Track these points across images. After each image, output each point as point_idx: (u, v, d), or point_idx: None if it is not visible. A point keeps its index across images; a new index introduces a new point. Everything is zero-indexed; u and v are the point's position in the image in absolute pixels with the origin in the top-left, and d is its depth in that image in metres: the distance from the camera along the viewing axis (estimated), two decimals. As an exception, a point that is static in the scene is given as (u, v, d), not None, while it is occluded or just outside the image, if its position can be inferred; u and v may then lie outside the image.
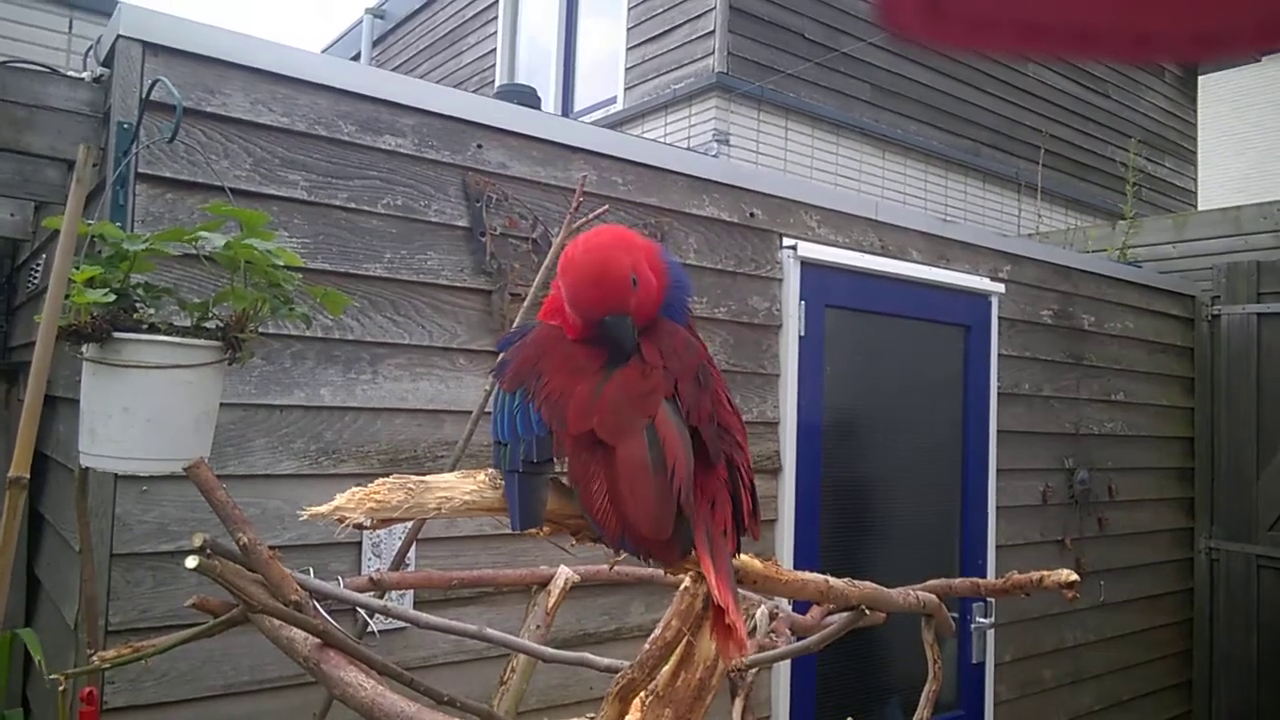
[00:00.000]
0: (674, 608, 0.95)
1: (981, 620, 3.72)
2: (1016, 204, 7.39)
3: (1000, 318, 3.90)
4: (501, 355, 1.09)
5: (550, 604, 1.78)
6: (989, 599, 3.67)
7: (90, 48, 2.17)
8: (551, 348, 1.04)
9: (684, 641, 0.95)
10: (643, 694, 1.00)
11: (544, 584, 1.83)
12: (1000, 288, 3.88)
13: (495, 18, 7.48)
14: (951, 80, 6.93)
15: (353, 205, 2.22)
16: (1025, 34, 0.36)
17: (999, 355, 3.90)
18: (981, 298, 3.83)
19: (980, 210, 7.16)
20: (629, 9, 6.30)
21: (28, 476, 1.22)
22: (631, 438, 0.95)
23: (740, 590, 1.28)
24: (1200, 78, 9.73)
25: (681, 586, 0.95)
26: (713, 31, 5.69)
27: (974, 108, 7.11)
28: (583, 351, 1.02)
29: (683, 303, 1.09)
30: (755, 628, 1.87)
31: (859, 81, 6.36)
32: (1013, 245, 4.17)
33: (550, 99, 6.75)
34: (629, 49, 6.29)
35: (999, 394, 3.89)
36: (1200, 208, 9.20)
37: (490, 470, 0.97)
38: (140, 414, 1.44)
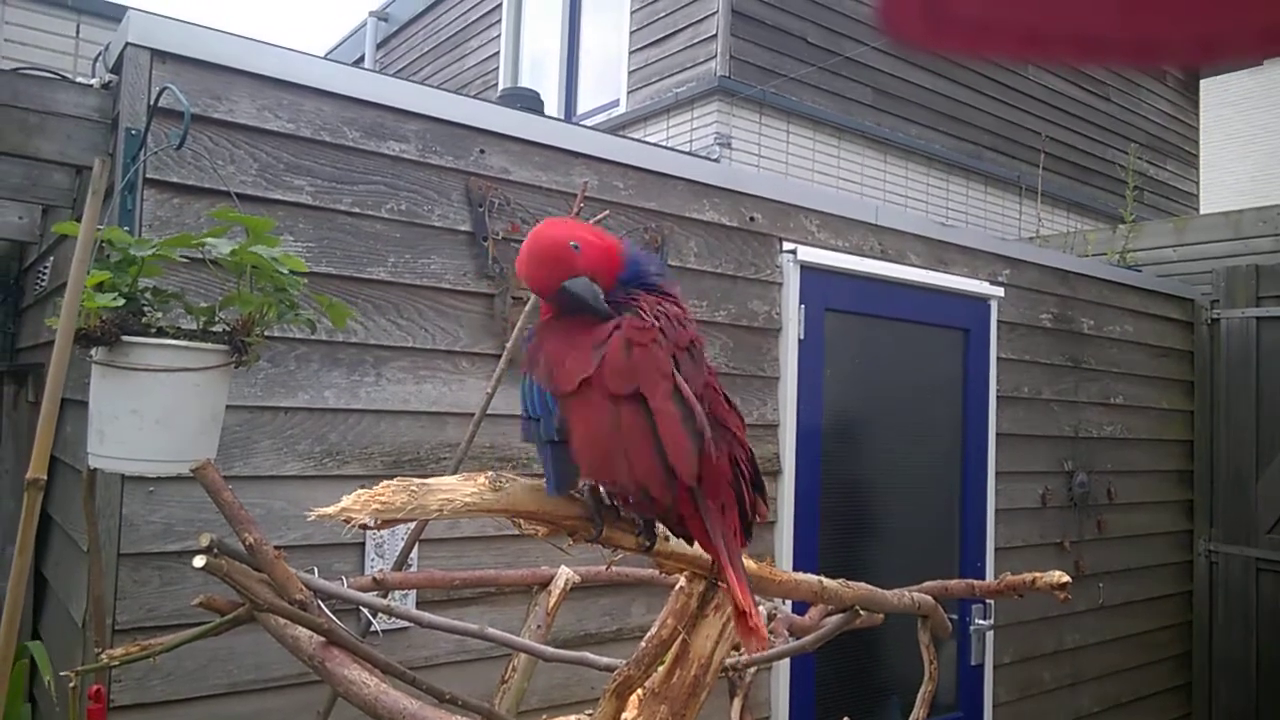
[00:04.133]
0: (669, 607, 0.97)
1: (981, 622, 3.74)
2: (1018, 207, 7.40)
3: (999, 321, 3.92)
4: (524, 347, 1.16)
5: (551, 604, 1.80)
6: (987, 600, 3.69)
7: (99, 54, 2.20)
8: (549, 329, 1.12)
9: (679, 640, 0.97)
10: (639, 691, 1.02)
11: (545, 584, 1.85)
12: (999, 291, 3.90)
13: (499, 21, 7.51)
14: (953, 84, 6.94)
15: (357, 210, 2.25)
16: (1026, 39, 0.36)
17: (998, 359, 3.92)
18: (980, 301, 3.85)
19: (981, 213, 7.18)
20: (631, 13, 6.32)
21: (45, 478, 1.25)
22: (655, 387, 1.01)
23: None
24: (1203, 81, 9.73)
25: (677, 586, 0.98)
26: (715, 35, 5.71)
27: (975, 111, 7.13)
28: (577, 326, 1.08)
29: (645, 266, 1.14)
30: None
31: (860, 85, 6.38)
32: (1012, 249, 4.19)
33: (553, 102, 6.78)
34: (631, 53, 6.31)
35: (998, 397, 3.91)
36: (1203, 211, 9.21)
37: (490, 473, 1.00)
38: (148, 416, 1.46)
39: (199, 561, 1.06)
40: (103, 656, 1.25)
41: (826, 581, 1.41)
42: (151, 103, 1.95)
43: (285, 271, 1.53)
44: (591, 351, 1.03)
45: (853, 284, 3.36)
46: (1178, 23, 0.34)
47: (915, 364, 3.68)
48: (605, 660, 1.37)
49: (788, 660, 2.99)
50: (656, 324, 1.06)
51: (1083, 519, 4.38)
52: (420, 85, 2.69)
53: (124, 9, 2.00)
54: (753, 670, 1.85)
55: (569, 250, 1.05)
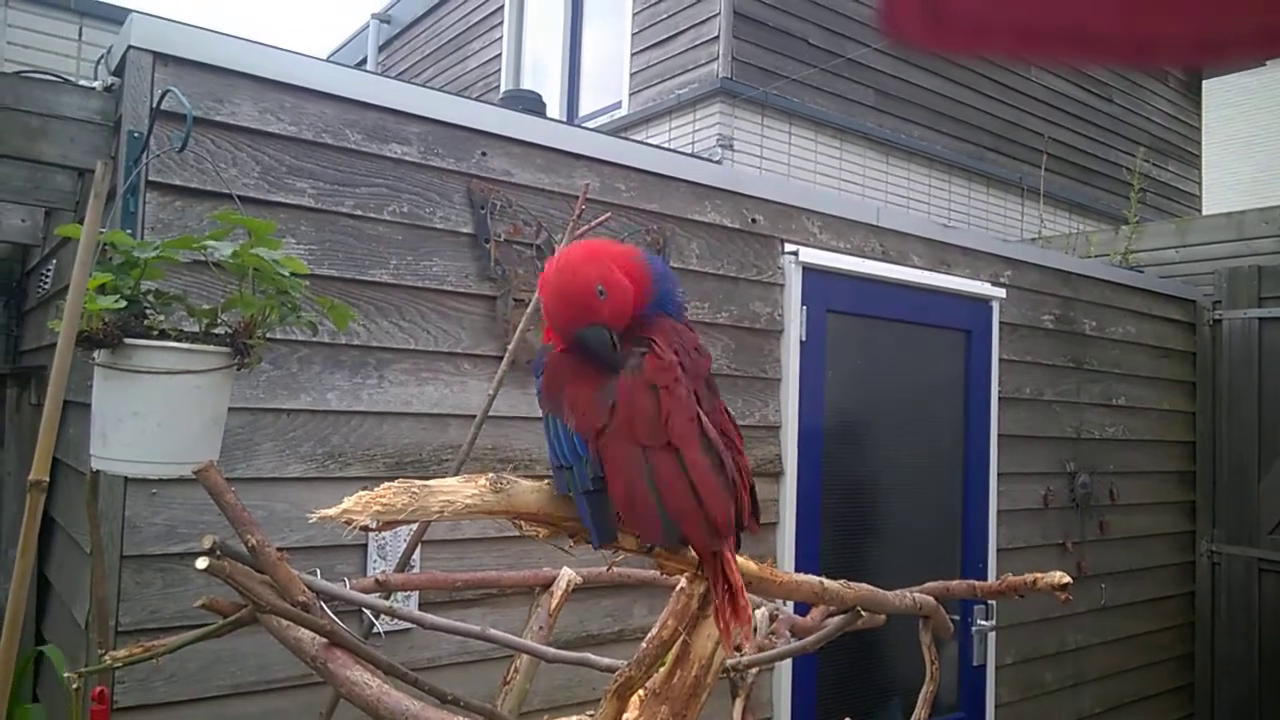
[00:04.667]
0: (670, 608, 0.98)
1: (982, 623, 3.74)
2: (1020, 208, 7.40)
3: (1001, 322, 3.92)
4: (537, 383, 1.14)
5: (553, 605, 1.80)
6: (988, 601, 3.69)
7: (102, 57, 2.21)
8: (564, 363, 1.09)
9: (680, 641, 0.98)
10: (640, 691, 1.02)
11: (547, 586, 1.85)
12: (1001, 293, 3.90)
13: (501, 23, 7.52)
14: (955, 85, 6.95)
15: (359, 212, 2.25)
16: (1026, 39, 0.36)
17: (1000, 360, 3.92)
18: (982, 303, 3.85)
19: (984, 214, 7.18)
20: (633, 15, 6.33)
21: (48, 480, 1.26)
22: (689, 440, 1.00)
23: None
24: (1205, 82, 9.72)
25: (678, 587, 0.98)
26: (717, 37, 5.71)
27: (977, 112, 7.13)
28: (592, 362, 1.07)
29: (672, 294, 1.13)
30: (755, 629, 1.89)
31: (862, 86, 6.38)
32: (1013, 250, 4.19)
33: (555, 104, 6.78)
34: (633, 54, 6.32)
35: (1000, 398, 3.91)
36: (1206, 211, 9.20)
37: (491, 475, 1.00)
38: (151, 418, 1.47)
39: (201, 563, 1.06)
40: (106, 658, 1.25)
41: (827, 582, 1.41)
42: (154, 106, 1.95)
43: (287, 274, 1.53)
44: (601, 393, 1.02)
45: (854, 285, 3.36)
46: (1177, 22, 0.34)
47: (917, 365, 3.68)
48: (607, 661, 1.37)
49: (790, 661, 3.00)
50: (676, 359, 1.05)
51: (1085, 520, 4.38)
52: (422, 88, 2.70)
53: (126, 12, 2.01)
54: (755, 671, 1.85)
55: (594, 298, 1.02)
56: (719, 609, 0.97)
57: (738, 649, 1.69)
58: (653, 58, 6.16)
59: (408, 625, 2.13)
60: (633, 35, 6.33)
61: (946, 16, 0.35)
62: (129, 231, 1.82)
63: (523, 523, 1.00)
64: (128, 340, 1.46)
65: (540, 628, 1.77)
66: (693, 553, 1.03)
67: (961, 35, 0.36)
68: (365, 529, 0.86)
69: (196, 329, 1.56)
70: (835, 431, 3.33)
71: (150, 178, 1.96)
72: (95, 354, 1.48)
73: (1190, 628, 5.10)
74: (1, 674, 1.23)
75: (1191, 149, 9.29)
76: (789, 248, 3.16)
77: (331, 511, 0.87)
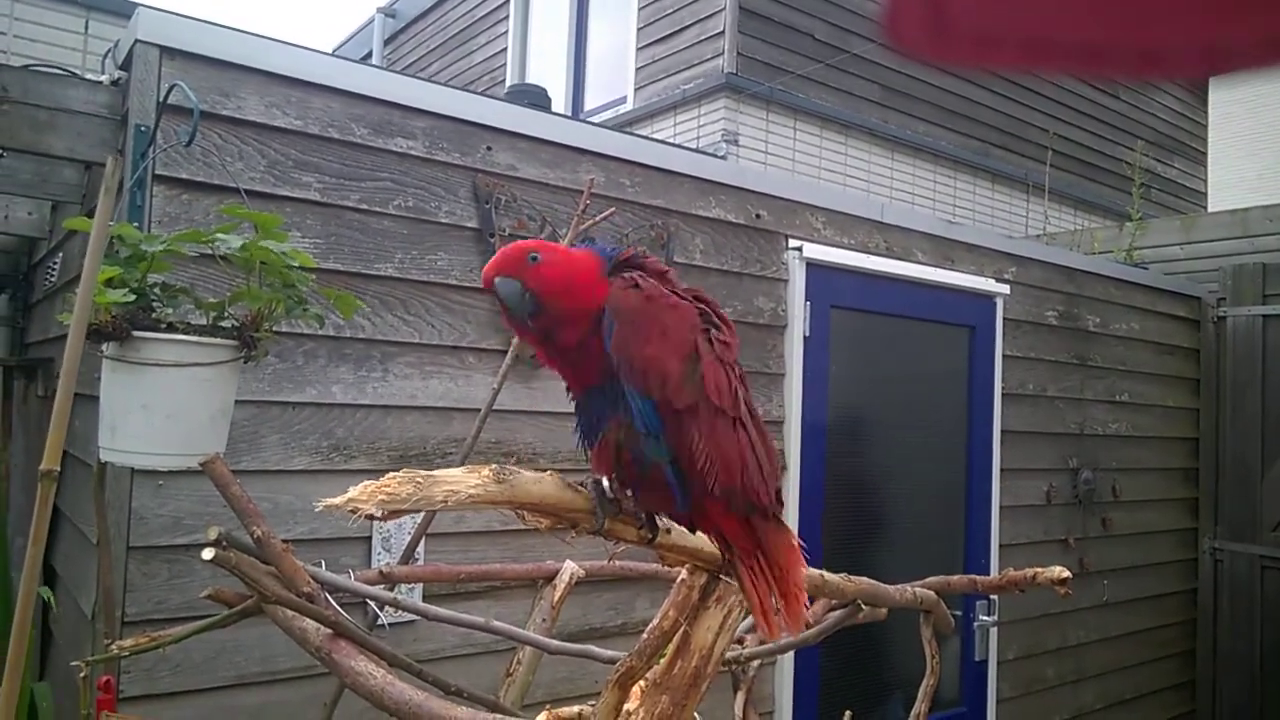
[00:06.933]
0: (671, 599, 0.99)
1: (984, 618, 3.75)
2: (1025, 205, 7.39)
3: (1005, 319, 3.92)
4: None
5: (556, 598, 1.82)
6: (990, 596, 3.70)
7: (109, 51, 2.22)
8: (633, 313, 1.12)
9: (681, 631, 0.99)
10: (641, 681, 1.04)
11: (550, 579, 1.87)
12: (1005, 289, 3.90)
13: (506, 17, 7.52)
14: (960, 81, 6.93)
15: (365, 207, 2.26)
16: (1032, 52, 0.36)
17: (1003, 356, 3.92)
18: (986, 299, 3.85)
19: (989, 211, 7.17)
20: (639, 9, 6.32)
21: (59, 469, 1.27)
22: (753, 410, 1.10)
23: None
24: (1211, 79, 9.69)
25: (679, 579, 0.99)
26: (722, 32, 5.71)
27: (983, 108, 7.12)
28: (653, 318, 1.12)
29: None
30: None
31: (867, 82, 6.37)
32: (1017, 247, 4.19)
33: (560, 99, 6.78)
34: (639, 49, 6.32)
35: (1003, 394, 3.92)
36: (1212, 209, 9.18)
37: (495, 466, 1.01)
38: (158, 410, 1.48)
39: (208, 554, 1.08)
40: (112, 648, 1.27)
41: (828, 575, 1.42)
42: (161, 100, 1.96)
43: (294, 266, 1.54)
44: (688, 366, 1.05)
45: (859, 281, 3.37)
46: (1184, 33, 0.34)
47: (921, 361, 3.68)
48: (609, 653, 1.38)
49: (791, 654, 3.01)
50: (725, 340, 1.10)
51: (1087, 516, 4.38)
52: (427, 82, 2.70)
53: (134, 6, 2.02)
54: (756, 664, 1.86)
55: (523, 258, 1.13)
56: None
57: (739, 642, 1.70)
58: (658, 53, 6.16)
59: (412, 617, 2.15)
60: (638, 30, 6.33)
61: (951, 27, 0.35)
62: (136, 225, 1.83)
63: (525, 513, 1.01)
64: (136, 333, 1.47)
65: (543, 620, 1.78)
66: (699, 543, 1.03)
67: (966, 47, 0.36)
68: (370, 518, 0.87)
69: (204, 322, 1.57)
70: (838, 427, 3.34)
71: (157, 171, 1.97)
72: (103, 346, 1.49)
73: (1192, 624, 5.10)
74: (14, 660, 1.25)
75: (1197, 146, 9.27)
76: (793, 243, 3.17)
77: (338, 500, 0.88)
